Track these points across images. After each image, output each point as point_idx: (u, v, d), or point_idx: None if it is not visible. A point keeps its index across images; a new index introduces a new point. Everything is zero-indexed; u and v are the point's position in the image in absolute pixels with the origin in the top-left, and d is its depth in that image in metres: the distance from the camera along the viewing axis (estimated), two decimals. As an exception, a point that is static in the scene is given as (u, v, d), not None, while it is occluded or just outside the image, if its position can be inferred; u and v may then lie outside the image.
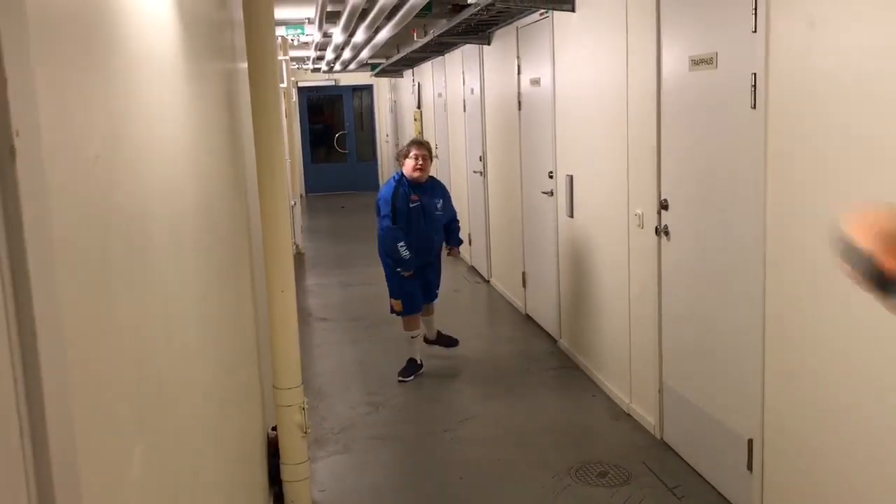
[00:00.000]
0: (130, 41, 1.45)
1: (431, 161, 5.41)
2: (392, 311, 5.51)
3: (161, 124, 1.71)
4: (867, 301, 2.56)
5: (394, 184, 5.26)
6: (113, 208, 1.22)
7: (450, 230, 5.66)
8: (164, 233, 1.63)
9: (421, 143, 5.39)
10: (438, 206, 5.43)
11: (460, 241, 5.83)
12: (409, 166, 5.26)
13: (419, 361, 5.56)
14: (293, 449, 3.65)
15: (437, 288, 5.76)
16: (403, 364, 5.54)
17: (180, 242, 1.82)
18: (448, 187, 10.42)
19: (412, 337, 5.54)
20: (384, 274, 5.53)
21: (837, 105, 2.65)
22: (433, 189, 5.46)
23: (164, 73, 1.83)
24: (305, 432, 3.67)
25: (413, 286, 5.41)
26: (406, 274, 5.29)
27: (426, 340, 5.79)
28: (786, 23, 2.91)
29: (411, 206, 5.24)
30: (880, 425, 2.56)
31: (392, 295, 5.47)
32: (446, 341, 5.86)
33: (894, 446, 2.50)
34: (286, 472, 3.67)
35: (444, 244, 5.64)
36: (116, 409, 1.17)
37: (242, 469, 2.74)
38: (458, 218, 5.79)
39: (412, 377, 5.43)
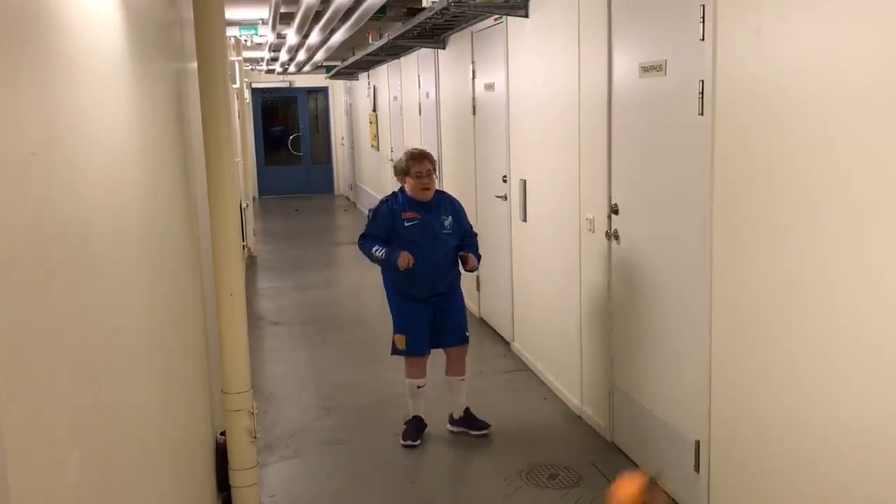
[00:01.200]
0: (71, 39, 1.42)
1: (436, 172, 4.46)
2: (394, 350, 4.50)
3: (104, 124, 1.68)
4: (811, 307, 2.62)
5: (379, 203, 4.43)
6: (49, 207, 1.19)
7: (463, 245, 4.47)
8: (105, 234, 1.60)
9: (423, 156, 4.37)
10: (446, 223, 4.37)
11: (478, 256, 4.51)
12: (412, 186, 4.32)
13: (424, 420, 4.53)
14: (242, 454, 3.60)
15: (461, 330, 4.51)
16: (402, 419, 4.55)
17: (123, 243, 1.79)
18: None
19: (418, 387, 4.50)
20: (388, 305, 4.57)
21: (782, 112, 2.72)
22: (439, 204, 4.41)
23: (109, 73, 1.79)
24: (254, 437, 3.62)
25: (422, 322, 4.38)
26: (403, 261, 4.18)
27: (451, 420, 4.58)
28: (733, 31, 2.97)
29: (406, 224, 4.30)
30: (824, 428, 2.62)
31: (396, 329, 4.46)
32: (478, 424, 4.51)
33: (838, 448, 2.57)
34: (234, 478, 3.62)
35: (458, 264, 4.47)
36: (51, 413, 1.14)
37: (189, 474, 2.69)
38: (472, 234, 4.59)
39: (419, 441, 4.41)
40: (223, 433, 3.67)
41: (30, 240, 1.09)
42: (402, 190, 4.41)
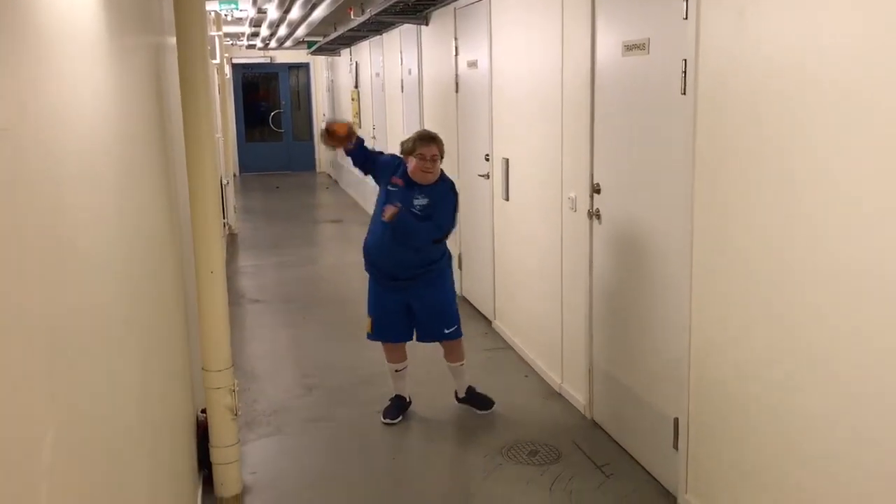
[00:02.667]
0: (42, 11, 1.39)
1: (442, 158, 4.22)
2: (368, 334, 4.45)
3: (79, 99, 1.65)
4: (796, 285, 2.64)
5: (390, 158, 4.34)
6: (22, 183, 1.17)
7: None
8: (80, 210, 1.58)
9: (432, 139, 4.17)
10: (416, 202, 4.13)
11: (434, 235, 4.19)
12: (413, 168, 4.14)
13: (408, 399, 4.54)
14: (223, 432, 3.61)
15: (448, 323, 4.33)
16: (389, 399, 4.52)
17: (99, 221, 1.77)
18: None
19: (396, 371, 4.46)
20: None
21: (764, 91, 2.72)
22: (432, 191, 4.18)
23: (84, 46, 1.76)
24: (235, 415, 3.62)
25: (390, 307, 4.27)
26: (388, 213, 4.01)
27: (456, 397, 4.59)
28: (716, 11, 2.96)
29: (390, 188, 4.20)
30: (802, 405, 2.65)
31: (368, 311, 4.41)
32: (480, 401, 4.51)
33: (817, 425, 2.60)
34: (215, 455, 3.62)
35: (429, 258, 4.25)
36: (26, 392, 1.12)
37: (169, 452, 2.68)
38: (448, 231, 4.30)
39: (400, 418, 4.41)
40: (204, 411, 3.67)
41: (2, 216, 1.07)
42: (402, 162, 4.25)
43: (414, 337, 4.45)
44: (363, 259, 4.37)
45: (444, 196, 4.22)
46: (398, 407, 4.47)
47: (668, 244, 3.45)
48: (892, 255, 2.21)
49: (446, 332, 4.35)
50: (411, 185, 4.16)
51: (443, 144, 4.23)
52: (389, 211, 4.03)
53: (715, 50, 2.99)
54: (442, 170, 4.28)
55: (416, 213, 4.12)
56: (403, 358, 4.47)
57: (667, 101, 3.35)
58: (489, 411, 4.46)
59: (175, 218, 3.46)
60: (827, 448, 2.53)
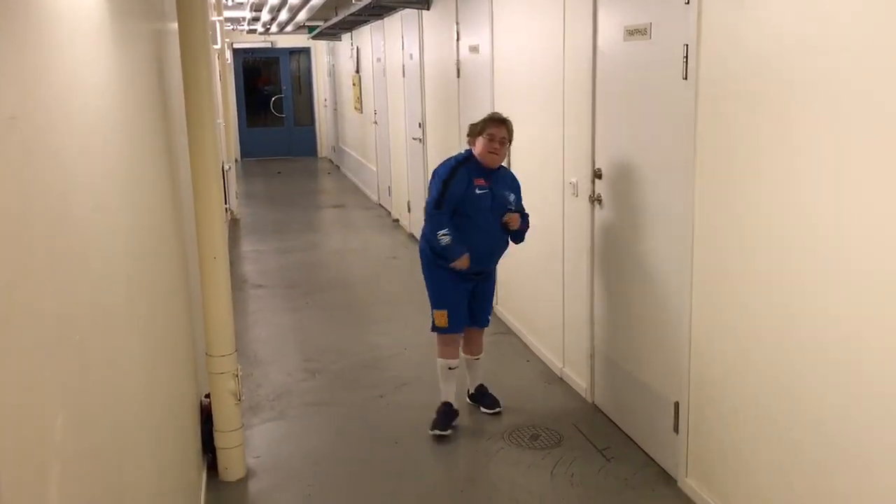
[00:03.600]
0: (48, -2, 1.40)
1: (510, 143, 4.14)
2: (434, 327, 4.19)
3: (84, 86, 1.66)
4: (794, 270, 2.65)
5: (454, 162, 4.07)
6: (30, 171, 1.18)
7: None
8: (86, 197, 1.59)
9: (502, 122, 4.06)
10: (511, 199, 4.12)
11: (526, 227, 4.22)
12: (482, 148, 4.01)
13: (455, 406, 4.24)
14: (226, 416, 3.63)
15: (490, 308, 4.40)
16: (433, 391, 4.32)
17: (105, 207, 1.78)
18: (387, 154, 10.49)
19: (449, 368, 4.19)
20: (424, 278, 4.22)
21: (765, 76, 2.72)
22: (504, 178, 4.16)
23: (89, 32, 1.77)
24: (239, 399, 3.65)
25: (462, 298, 4.13)
26: (459, 264, 3.97)
27: (468, 394, 4.49)
28: (717, -5, 2.96)
29: (478, 192, 3.99)
30: (802, 390, 2.67)
31: (435, 304, 4.15)
32: (490, 401, 4.40)
33: (816, 411, 2.62)
34: (219, 440, 3.66)
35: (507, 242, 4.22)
36: (37, 376, 1.14)
37: (174, 436, 2.71)
38: (526, 214, 4.24)
39: (450, 430, 4.13)
40: (208, 395, 3.69)
41: (10, 204, 1.08)
42: (471, 154, 4.08)
43: None
44: (438, 255, 4.05)
45: (517, 186, 4.23)
46: (448, 415, 4.17)
47: (669, 230, 3.46)
48: (892, 242, 2.22)
49: (488, 317, 4.38)
50: (493, 180, 4.05)
51: (513, 130, 4.10)
52: (460, 264, 3.97)
53: (716, 35, 2.98)
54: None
55: (513, 210, 4.12)
56: (459, 353, 4.26)
57: (668, 85, 3.35)
58: (495, 412, 4.34)
59: (178, 203, 3.47)
60: (824, 431, 2.55)
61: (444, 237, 3.93)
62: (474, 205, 3.98)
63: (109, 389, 1.66)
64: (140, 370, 2.08)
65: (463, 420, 4.30)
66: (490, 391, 4.44)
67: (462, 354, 4.35)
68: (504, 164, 4.26)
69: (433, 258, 4.08)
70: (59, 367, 1.26)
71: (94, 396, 1.50)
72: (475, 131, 4.10)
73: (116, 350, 1.77)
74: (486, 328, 4.43)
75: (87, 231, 1.57)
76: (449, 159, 4.15)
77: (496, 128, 4.02)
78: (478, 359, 4.44)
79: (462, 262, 3.97)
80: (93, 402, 1.49)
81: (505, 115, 4.10)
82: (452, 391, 4.23)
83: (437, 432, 4.09)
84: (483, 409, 4.38)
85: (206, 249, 3.47)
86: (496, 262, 4.25)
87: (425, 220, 4.08)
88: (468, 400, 4.47)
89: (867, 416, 2.37)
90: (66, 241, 1.39)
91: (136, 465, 1.90)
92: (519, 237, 4.21)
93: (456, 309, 4.12)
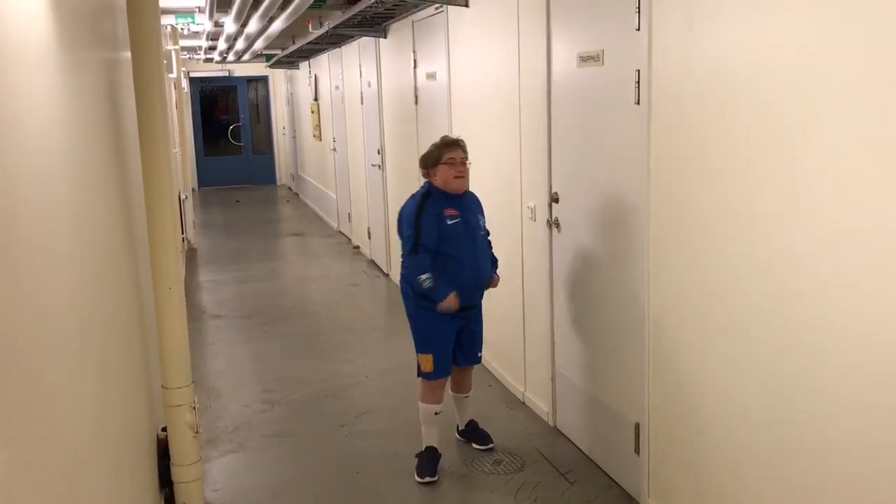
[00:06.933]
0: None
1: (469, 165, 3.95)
2: (419, 373, 3.98)
3: (29, 115, 1.63)
4: (748, 286, 2.69)
5: (419, 198, 3.83)
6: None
7: None
8: (35, 229, 1.56)
9: (456, 143, 3.89)
10: (482, 223, 3.95)
11: (494, 260, 4.12)
12: (445, 175, 3.80)
13: (438, 451, 4.01)
14: (184, 449, 3.55)
15: (481, 345, 4.13)
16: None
17: (53, 234, 1.75)
18: (347, 181, 10.46)
19: (435, 414, 3.97)
20: (407, 316, 4.00)
21: (715, 100, 2.78)
22: (471, 202, 3.95)
23: (34, 62, 1.74)
24: (196, 432, 3.58)
25: (449, 340, 3.90)
26: (447, 306, 3.76)
27: (457, 430, 4.31)
28: (667, 22, 3.02)
29: (449, 223, 3.78)
30: (760, 409, 2.70)
31: (420, 348, 3.92)
32: (483, 438, 4.21)
33: (775, 429, 2.65)
34: (177, 473, 3.57)
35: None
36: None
37: (129, 470, 2.65)
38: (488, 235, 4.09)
39: (437, 476, 3.90)
40: (165, 429, 3.62)
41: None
42: (431, 187, 3.87)
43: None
44: (422, 296, 3.82)
45: (481, 208, 4.03)
46: (433, 460, 3.95)
47: (626, 252, 3.49)
48: (851, 259, 2.27)
49: (479, 354, 4.14)
50: (462, 208, 3.84)
51: (466, 148, 3.94)
52: (447, 306, 3.77)
53: (667, 60, 3.05)
54: None
55: (483, 234, 3.95)
56: (443, 397, 4.03)
57: (621, 110, 3.40)
58: (488, 447, 4.16)
59: (132, 233, 3.42)
60: (784, 450, 2.58)
61: (426, 281, 3.72)
62: (450, 237, 3.77)
63: (58, 423, 1.61)
64: (92, 403, 2.03)
65: (425, 447, 4.26)
66: (481, 426, 4.25)
67: (449, 392, 4.18)
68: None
69: (417, 299, 3.86)
70: (2, 401, 1.22)
71: (41, 431, 1.46)
72: (431, 161, 3.87)
73: (66, 383, 1.73)
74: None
75: (34, 262, 1.54)
76: (412, 197, 3.90)
77: (453, 151, 3.85)
78: (467, 396, 4.25)
79: (450, 303, 3.76)
80: (39, 437, 1.44)
81: (462, 139, 4.10)
82: (436, 435, 4.01)
83: (428, 479, 3.87)
84: (475, 446, 4.20)
85: (161, 279, 3.41)
86: (482, 294, 4.02)
87: (403, 264, 3.88)
88: (458, 436, 4.29)
89: (830, 430, 2.40)
90: (12, 272, 1.36)
91: (88, 501, 1.85)
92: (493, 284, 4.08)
93: (443, 353, 3.89)
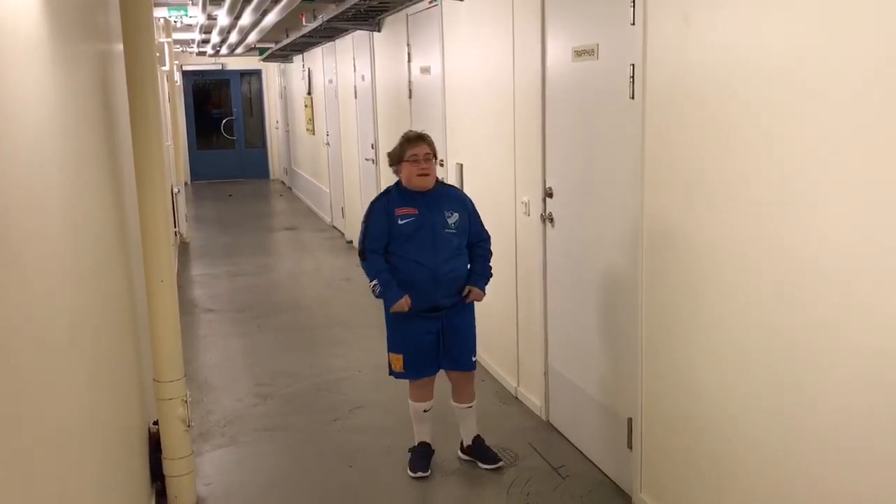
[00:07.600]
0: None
1: (436, 158, 3.80)
2: (390, 371, 3.88)
3: (21, 108, 1.62)
4: (742, 282, 2.70)
5: (374, 200, 3.79)
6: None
7: (472, 257, 3.84)
8: (27, 222, 1.55)
9: (420, 138, 3.73)
10: (450, 220, 3.71)
11: (485, 278, 3.87)
12: (408, 173, 3.69)
13: (431, 446, 3.96)
14: (176, 443, 3.55)
15: (474, 350, 3.89)
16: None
17: (45, 228, 1.73)
18: (340, 175, 10.45)
19: (424, 411, 3.90)
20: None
21: (709, 95, 2.78)
22: (442, 199, 3.75)
23: (25, 55, 1.73)
24: (188, 426, 3.57)
25: (424, 341, 3.75)
26: (398, 308, 3.66)
27: (461, 448, 4.02)
28: (662, 17, 3.02)
29: (401, 222, 3.65)
30: (752, 404, 2.71)
31: (389, 347, 3.84)
32: (490, 457, 3.92)
33: (768, 423, 2.66)
34: (168, 467, 3.57)
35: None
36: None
37: (120, 464, 2.64)
38: (485, 237, 3.90)
39: (429, 471, 3.86)
40: (156, 422, 3.61)
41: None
42: (397, 184, 3.78)
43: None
44: (387, 295, 3.70)
45: (467, 205, 3.84)
46: (425, 456, 3.91)
47: (620, 247, 3.49)
48: (847, 254, 2.27)
49: (472, 359, 3.88)
50: (426, 206, 3.69)
51: (433, 143, 3.77)
52: (399, 308, 3.66)
53: (662, 55, 3.04)
54: (441, 179, 3.92)
55: (453, 231, 3.72)
56: (432, 395, 3.90)
57: (616, 105, 3.40)
58: (497, 467, 3.89)
59: (124, 227, 3.40)
60: (775, 445, 2.59)
61: (374, 288, 3.68)
62: (401, 237, 3.65)
63: (48, 418, 1.60)
64: (82, 397, 2.02)
65: (418, 442, 4.26)
66: (487, 444, 3.97)
67: (452, 403, 3.99)
68: (456, 184, 4.24)
69: (393, 303, 3.73)
70: (-8, 396, 1.21)
71: (31, 425, 1.45)
72: (395, 158, 3.76)
73: (56, 376, 1.72)
74: (471, 372, 3.91)
75: (25, 254, 1.52)
76: (375, 198, 3.85)
77: (416, 147, 3.69)
78: (469, 407, 3.94)
79: (401, 306, 3.65)
80: (29, 431, 1.43)
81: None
82: (427, 431, 3.95)
83: (420, 474, 3.82)
84: (481, 465, 3.91)
85: (153, 273, 3.40)
86: (454, 294, 3.75)
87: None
88: (461, 454, 4.01)
89: (819, 424, 2.41)
90: (4, 264, 1.35)
91: (78, 494, 1.84)
92: (485, 278, 3.87)
93: (415, 353, 3.75)
